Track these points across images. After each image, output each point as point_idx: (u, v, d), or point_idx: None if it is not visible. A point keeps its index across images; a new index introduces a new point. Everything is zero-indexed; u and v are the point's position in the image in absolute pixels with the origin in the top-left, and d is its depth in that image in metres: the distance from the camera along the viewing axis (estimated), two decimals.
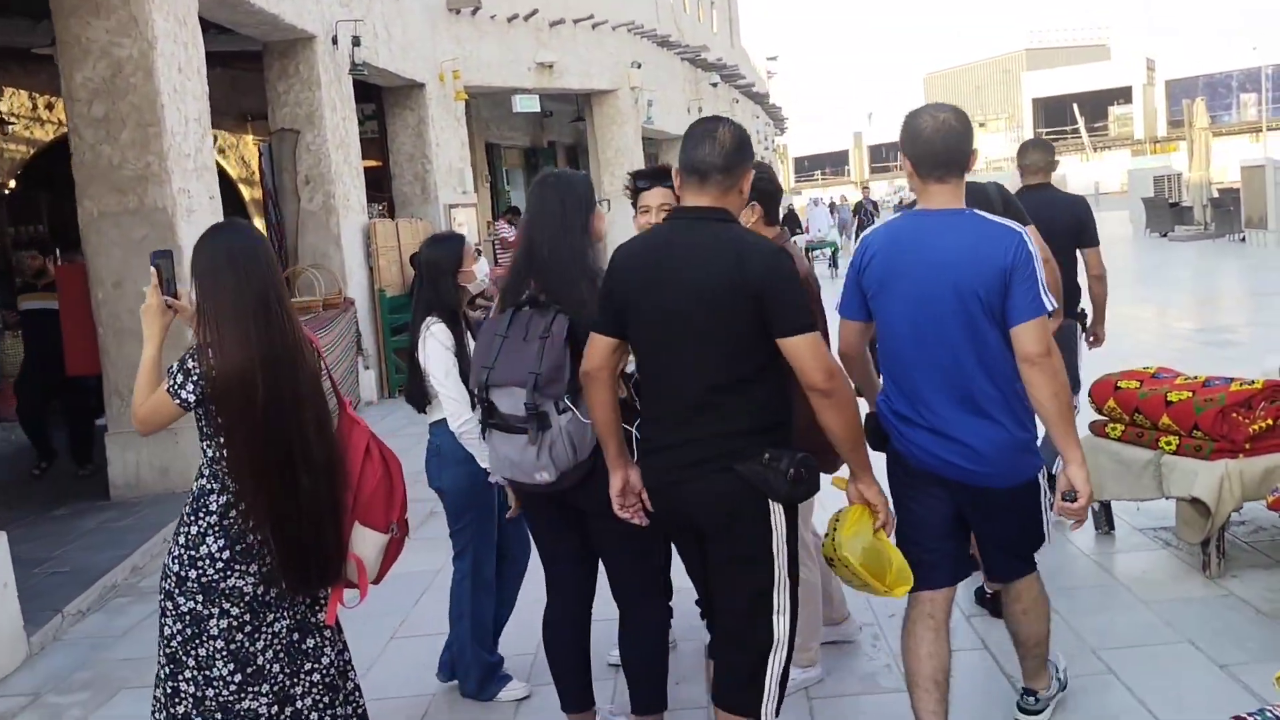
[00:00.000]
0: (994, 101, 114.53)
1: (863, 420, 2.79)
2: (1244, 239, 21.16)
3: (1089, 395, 4.98)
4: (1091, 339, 5.40)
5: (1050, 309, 2.82)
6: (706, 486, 2.64)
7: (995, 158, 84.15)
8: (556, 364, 2.95)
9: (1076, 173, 63.36)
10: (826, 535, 2.83)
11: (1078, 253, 5.19)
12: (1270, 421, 4.31)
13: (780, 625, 2.70)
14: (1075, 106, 77.33)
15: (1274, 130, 54.88)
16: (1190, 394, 4.50)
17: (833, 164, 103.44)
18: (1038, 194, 5.19)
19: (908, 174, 2.98)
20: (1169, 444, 4.50)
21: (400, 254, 11.84)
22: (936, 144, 2.88)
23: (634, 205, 3.66)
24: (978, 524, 3.04)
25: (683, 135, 2.78)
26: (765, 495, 2.62)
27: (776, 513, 2.65)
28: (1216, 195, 24.21)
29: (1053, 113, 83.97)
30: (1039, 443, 3.01)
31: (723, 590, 2.76)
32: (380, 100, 14.08)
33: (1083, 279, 5.28)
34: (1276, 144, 47.70)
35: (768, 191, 3.60)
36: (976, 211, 2.94)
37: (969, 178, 2.99)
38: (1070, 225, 5.15)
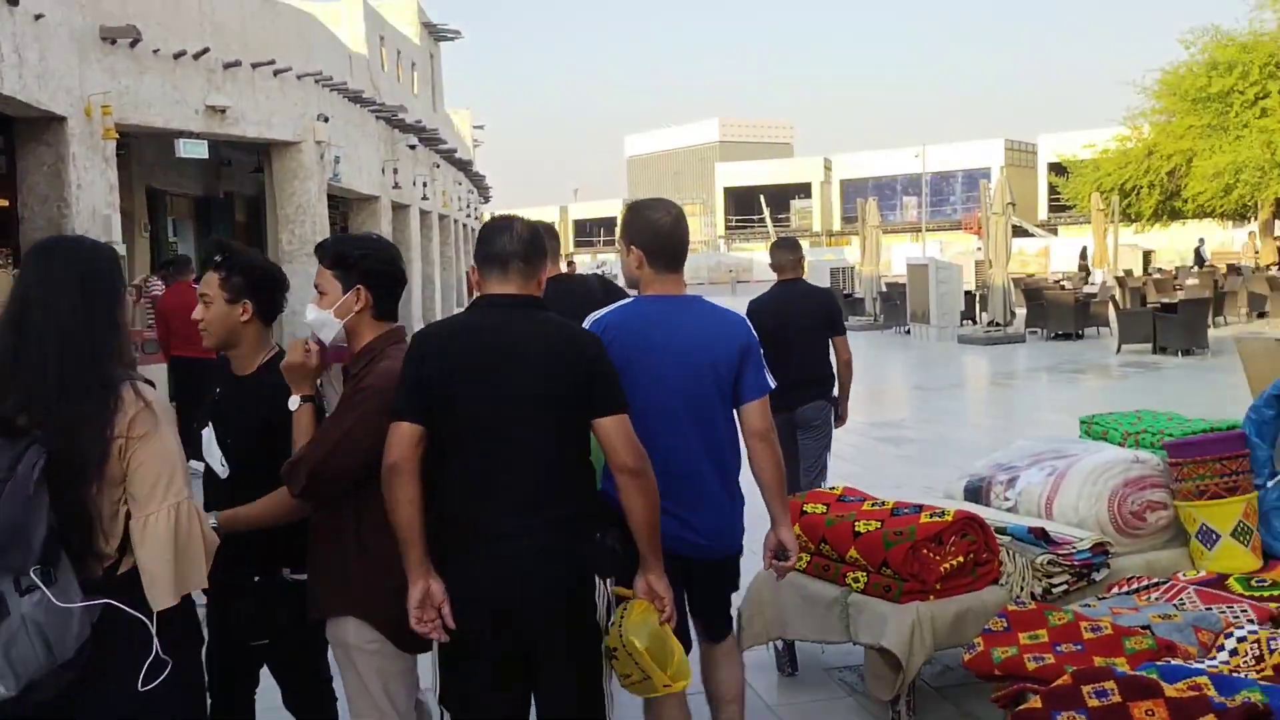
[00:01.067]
0: (691, 187, 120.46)
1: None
2: (909, 331, 22.66)
3: None
4: (837, 420, 6.16)
5: (772, 386, 3.18)
6: (553, 574, 2.61)
7: (692, 240, 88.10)
8: (16, 520, 1.99)
9: (763, 261, 67.23)
10: (611, 624, 2.75)
11: (829, 340, 5.96)
12: (961, 559, 3.93)
13: (608, 689, 2.77)
14: (762, 198, 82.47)
15: (932, 231, 60.72)
16: (879, 524, 4.07)
17: None
18: (791, 287, 5.95)
19: (635, 262, 3.14)
20: (857, 581, 4.03)
21: None
22: (674, 239, 3.14)
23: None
24: (703, 593, 3.21)
25: (479, 234, 2.83)
26: (596, 575, 2.70)
27: (601, 589, 2.72)
28: (885, 289, 25.95)
29: (742, 202, 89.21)
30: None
31: (556, 681, 2.69)
32: (10, 133, 12.12)
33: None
34: (934, 245, 52.74)
35: (386, 275, 2.83)
36: (703, 298, 3.22)
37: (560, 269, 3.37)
38: (822, 315, 5.93)
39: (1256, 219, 27.64)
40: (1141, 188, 27.76)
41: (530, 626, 2.61)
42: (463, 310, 2.91)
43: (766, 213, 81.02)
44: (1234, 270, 27.52)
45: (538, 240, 2.80)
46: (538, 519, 2.60)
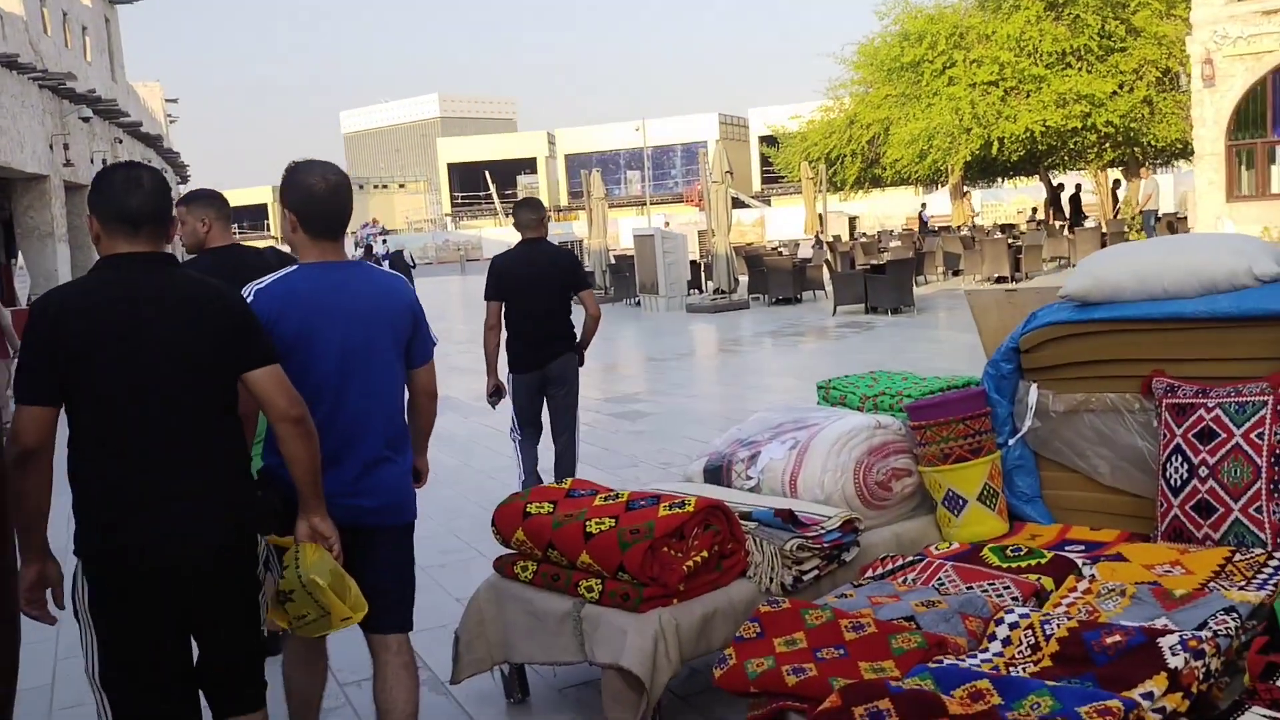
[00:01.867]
0: (413, 165, 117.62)
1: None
2: (639, 303, 22.61)
3: (493, 523, 3.87)
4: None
5: (435, 341, 3.28)
6: (213, 533, 2.58)
7: (417, 219, 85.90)
8: None
9: (491, 238, 66.39)
10: (285, 569, 2.81)
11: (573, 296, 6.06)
12: (705, 554, 3.45)
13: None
14: (487, 174, 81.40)
15: (656, 204, 61.86)
16: (613, 521, 3.52)
17: (250, 217, 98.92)
18: (534, 246, 5.93)
19: (290, 225, 3.05)
20: (591, 590, 3.47)
21: None
22: (330, 205, 3.03)
23: None
24: (385, 566, 3.08)
25: (95, 183, 2.67)
26: (255, 533, 2.71)
27: (262, 544, 2.74)
28: (614, 262, 25.83)
29: (467, 179, 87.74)
30: None
31: (219, 638, 2.70)
32: None
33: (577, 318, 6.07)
34: (658, 218, 53.70)
35: None
36: (366, 263, 3.22)
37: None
38: (564, 272, 6.02)
39: (948, 183, 29.58)
40: (845, 156, 29.04)
41: (191, 586, 2.58)
42: (89, 272, 2.70)
43: (493, 188, 80.00)
44: (930, 231, 29.43)
45: (168, 194, 2.71)
46: (195, 479, 2.56)
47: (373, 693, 3.15)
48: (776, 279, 20.73)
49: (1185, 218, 25.90)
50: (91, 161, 21.67)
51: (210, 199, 4.37)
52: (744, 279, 22.29)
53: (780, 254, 23.66)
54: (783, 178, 38.92)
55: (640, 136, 64.91)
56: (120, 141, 24.64)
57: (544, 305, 5.87)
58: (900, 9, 26.81)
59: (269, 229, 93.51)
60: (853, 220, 34.96)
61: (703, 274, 24.06)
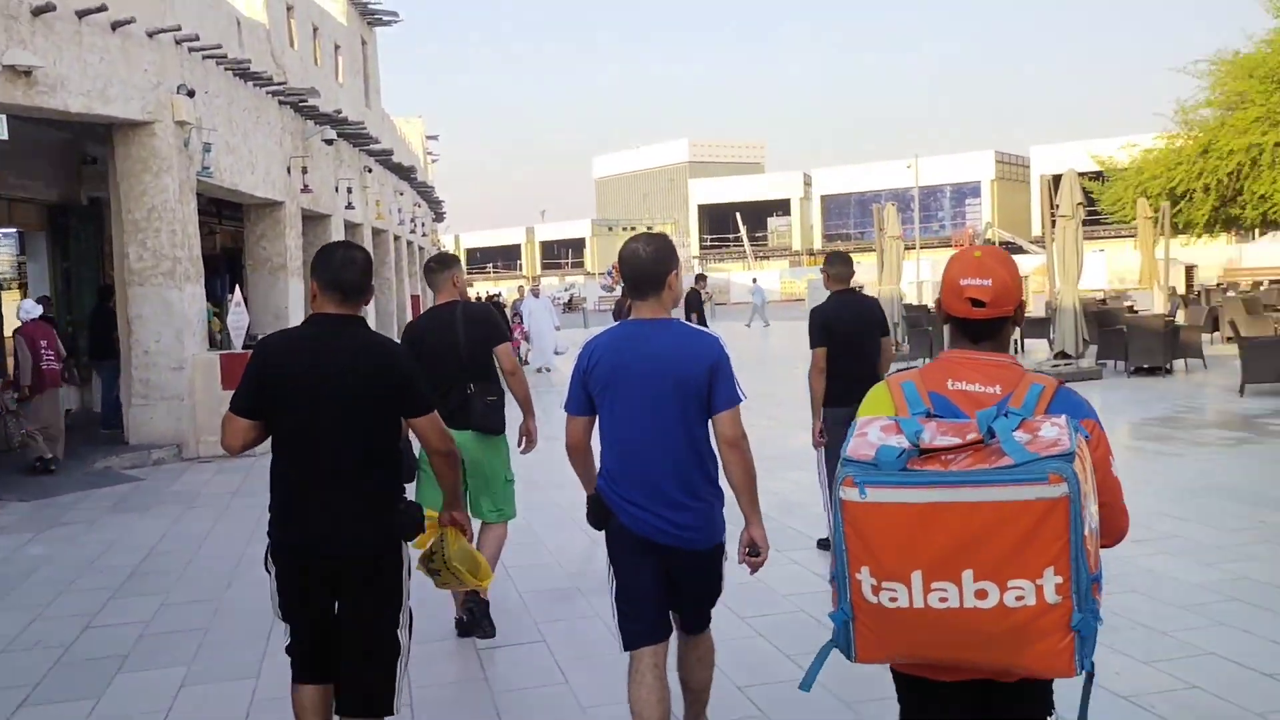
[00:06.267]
0: (660, 208, 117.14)
1: (587, 502, 3.64)
2: None
3: None
4: None
5: (743, 398, 3.52)
6: (364, 531, 3.46)
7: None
8: None
9: (739, 282, 63.27)
10: (434, 554, 3.96)
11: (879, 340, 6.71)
12: None
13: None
14: (738, 215, 78.62)
15: (923, 249, 56.86)
16: None
17: (504, 257, 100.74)
18: (849, 295, 6.81)
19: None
20: None
21: None
22: (638, 269, 3.54)
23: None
24: (683, 582, 3.56)
25: (319, 254, 3.46)
26: (400, 540, 3.70)
27: (404, 548, 3.60)
28: (906, 312, 21.74)
29: (717, 221, 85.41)
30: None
31: (357, 606, 3.49)
32: None
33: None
34: (926, 263, 48.77)
35: None
36: (679, 320, 3.62)
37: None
38: (876, 320, 6.76)
39: None
40: (1194, 191, 23.76)
41: (341, 566, 3.34)
42: (300, 324, 3.56)
43: (743, 230, 77.13)
44: None
45: (372, 271, 3.50)
46: (353, 490, 3.32)
47: (678, 664, 3.76)
48: (1140, 342, 16.08)
49: None
50: (336, 190, 19.75)
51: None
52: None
53: (1134, 311, 18.84)
54: (1095, 219, 33.41)
55: (909, 175, 60.14)
56: (369, 170, 22.85)
57: (865, 349, 6.65)
58: None
59: (520, 268, 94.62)
60: (1190, 270, 29.15)
61: (1018, 331, 19.65)
